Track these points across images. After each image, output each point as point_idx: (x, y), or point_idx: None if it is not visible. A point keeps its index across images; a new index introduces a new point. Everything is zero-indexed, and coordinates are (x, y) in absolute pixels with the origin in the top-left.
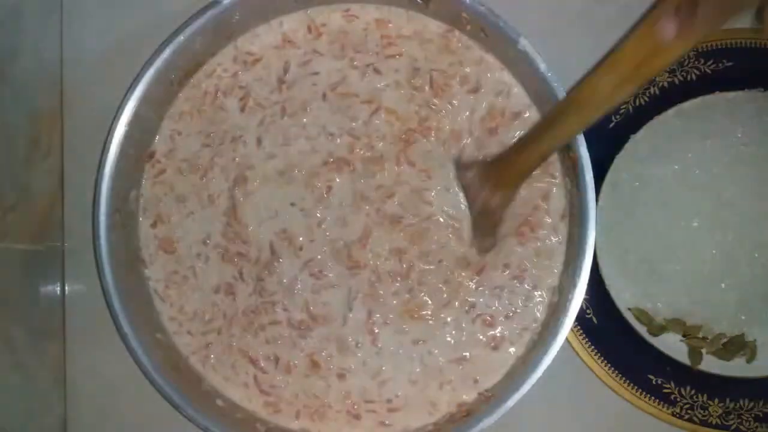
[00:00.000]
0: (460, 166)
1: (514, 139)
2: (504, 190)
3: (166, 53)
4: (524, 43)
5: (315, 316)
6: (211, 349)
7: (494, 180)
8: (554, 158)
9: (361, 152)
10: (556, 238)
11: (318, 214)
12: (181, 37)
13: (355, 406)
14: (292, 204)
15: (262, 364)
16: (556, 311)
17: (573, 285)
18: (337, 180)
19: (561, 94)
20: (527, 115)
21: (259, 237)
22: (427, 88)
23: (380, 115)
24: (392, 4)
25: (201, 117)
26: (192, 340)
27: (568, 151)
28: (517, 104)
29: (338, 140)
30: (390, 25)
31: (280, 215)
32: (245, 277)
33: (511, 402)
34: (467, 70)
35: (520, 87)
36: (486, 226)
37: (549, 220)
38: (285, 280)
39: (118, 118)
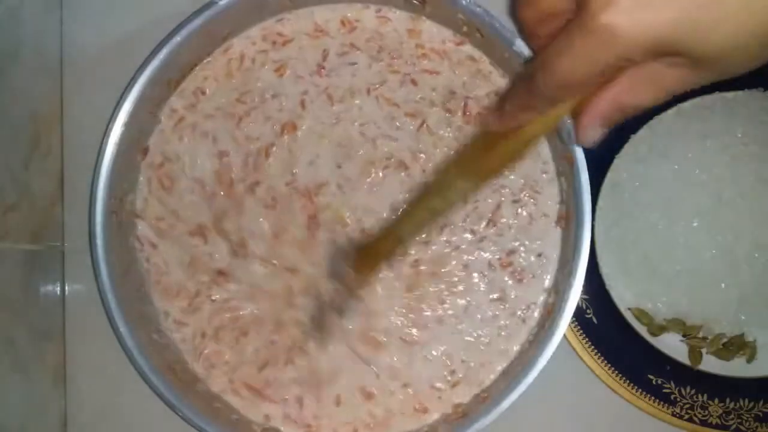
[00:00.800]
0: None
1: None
2: (363, 273)
3: (163, 54)
4: (520, 45)
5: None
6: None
7: (357, 263)
8: (549, 157)
9: (420, 163)
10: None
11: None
12: (177, 38)
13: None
14: (338, 166)
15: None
16: (552, 312)
17: (569, 285)
18: (394, 176)
19: None
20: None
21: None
22: (459, 113)
23: (424, 131)
24: (389, 5)
25: (229, 80)
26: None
27: (564, 152)
28: None
29: (391, 144)
30: (422, 35)
31: (314, 169)
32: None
33: (506, 403)
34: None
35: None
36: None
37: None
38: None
39: (114, 119)
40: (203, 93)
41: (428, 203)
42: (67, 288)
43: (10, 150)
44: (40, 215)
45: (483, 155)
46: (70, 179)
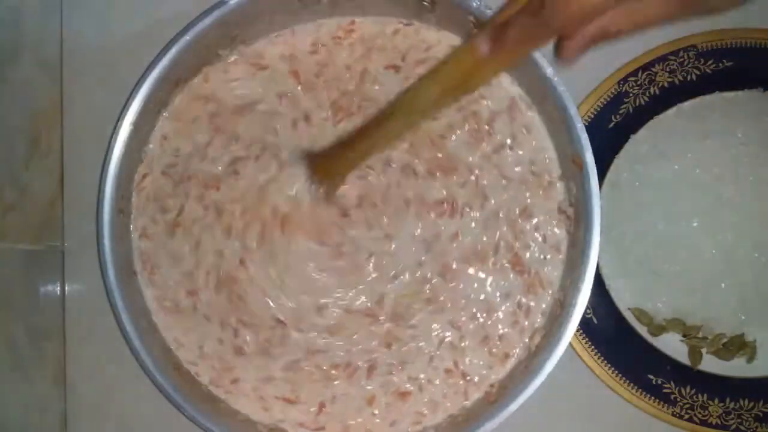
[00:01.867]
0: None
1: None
2: (329, 180)
3: (172, 52)
4: None
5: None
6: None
7: (321, 172)
8: (554, 157)
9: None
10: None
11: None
12: (187, 37)
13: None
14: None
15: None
16: (559, 317)
17: (576, 290)
18: None
19: (566, 98)
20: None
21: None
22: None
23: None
24: (399, 12)
25: (191, 125)
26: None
27: (574, 156)
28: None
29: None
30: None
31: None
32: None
33: (513, 406)
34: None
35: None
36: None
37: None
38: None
39: (123, 118)
40: (165, 138)
41: (404, 116)
42: (67, 288)
43: (10, 150)
44: (40, 215)
45: (465, 76)
46: (70, 179)
